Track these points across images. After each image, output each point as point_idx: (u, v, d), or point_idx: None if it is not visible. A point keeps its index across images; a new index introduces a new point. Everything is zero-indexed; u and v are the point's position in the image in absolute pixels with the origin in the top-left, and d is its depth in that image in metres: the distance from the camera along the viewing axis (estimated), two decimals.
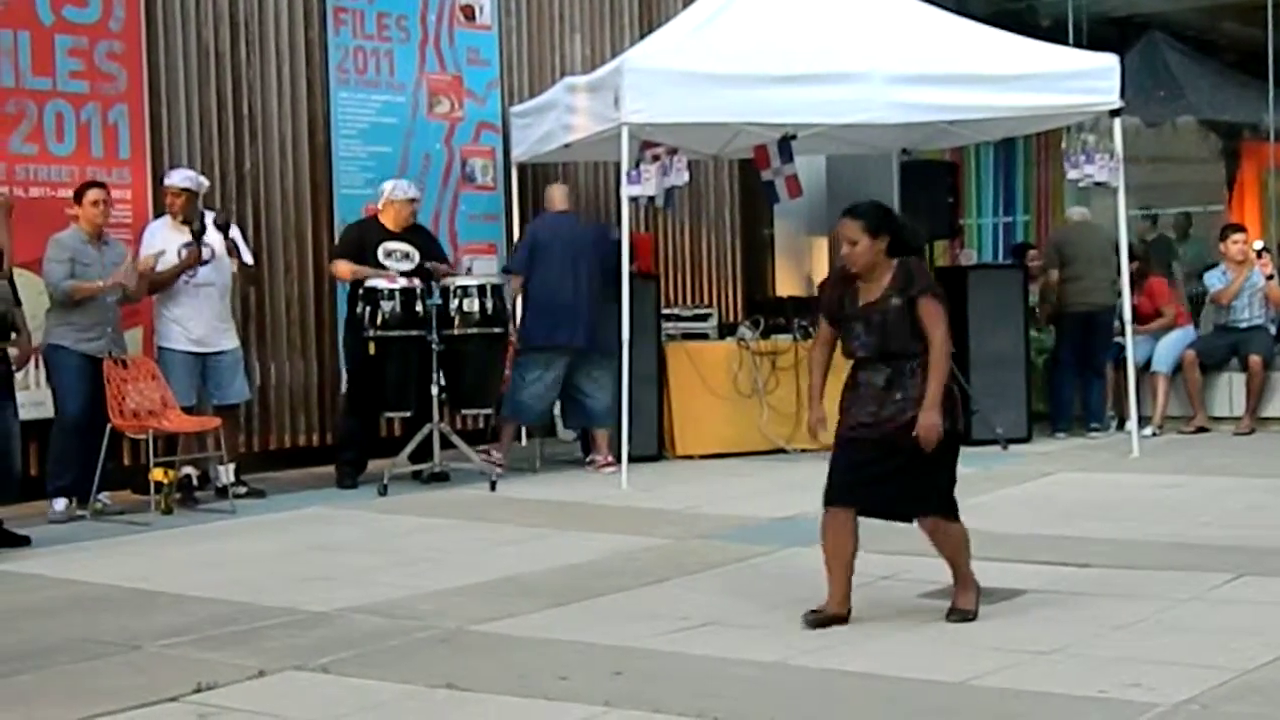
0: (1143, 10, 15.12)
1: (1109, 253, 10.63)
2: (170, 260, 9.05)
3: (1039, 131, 12.48)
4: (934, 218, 11.01)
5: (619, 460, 9.70)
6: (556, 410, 10.82)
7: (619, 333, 9.53)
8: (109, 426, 8.56)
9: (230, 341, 9.41)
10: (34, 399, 8.78)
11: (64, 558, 7.51)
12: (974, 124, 10.76)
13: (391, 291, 9.47)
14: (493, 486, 9.41)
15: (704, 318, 11.28)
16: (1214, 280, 11.84)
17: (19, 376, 8.24)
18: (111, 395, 8.61)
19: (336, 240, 10.41)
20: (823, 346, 5.81)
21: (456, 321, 9.58)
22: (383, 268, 9.67)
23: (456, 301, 9.61)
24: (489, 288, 9.74)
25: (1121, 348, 10.80)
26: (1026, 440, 10.90)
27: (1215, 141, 15.13)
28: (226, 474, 9.10)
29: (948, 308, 5.63)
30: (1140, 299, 11.37)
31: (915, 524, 5.64)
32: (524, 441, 11.15)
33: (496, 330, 9.71)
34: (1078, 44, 13.07)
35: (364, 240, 9.84)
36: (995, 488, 8.74)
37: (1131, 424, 10.44)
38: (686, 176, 9.96)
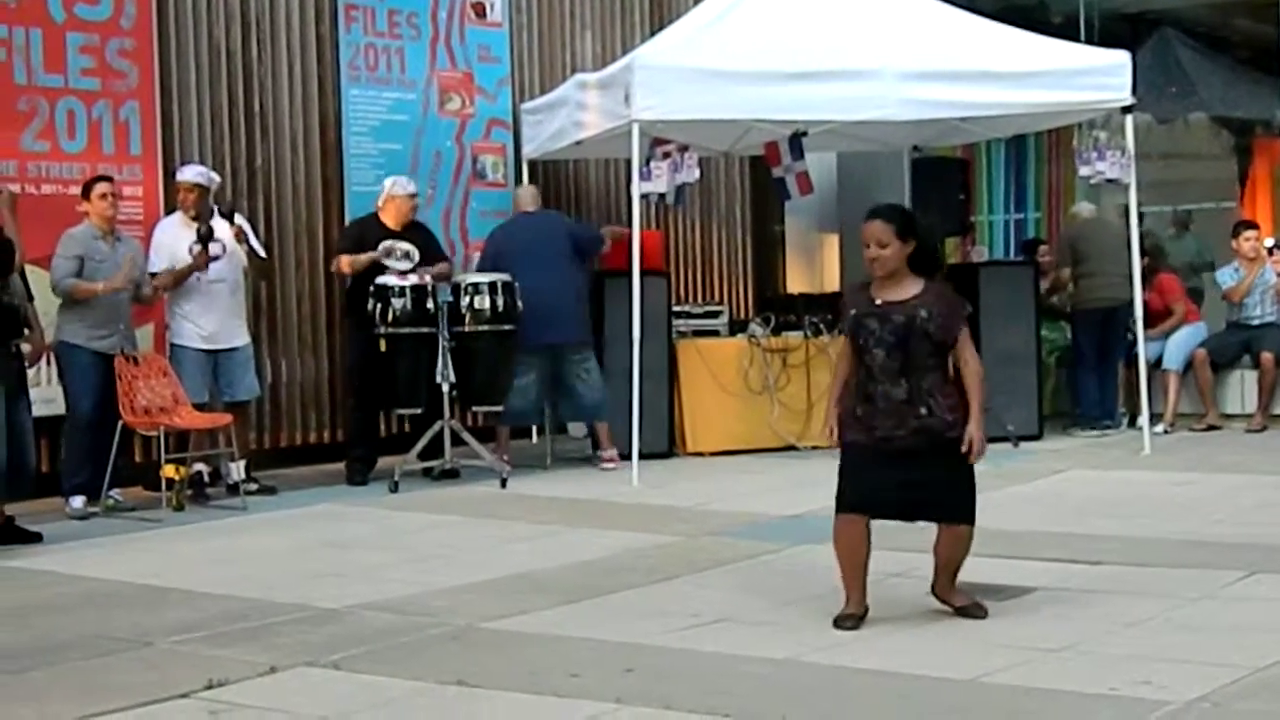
0: (1154, 6, 15.07)
1: (1122, 248, 10.61)
2: (184, 258, 9.06)
3: (1051, 128, 12.48)
4: (945, 214, 11.00)
5: (624, 454, 9.71)
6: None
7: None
8: (120, 423, 8.58)
9: (242, 338, 9.42)
10: (45, 396, 8.79)
11: (75, 554, 7.53)
12: (985, 121, 10.75)
13: (402, 289, 9.48)
14: (503, 483, 9.41)
15: (715, 315, 11.29)
16: (1226, 277, 11.81)
17: (30, 373, 8.26)
18: (123, 392, 8.62)
19: (339, 237, 10.41)
20: (847, 360, 5.80)
21: (467, 318, 9.59)
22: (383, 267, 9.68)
23: (467, 299, 9.61)
24: (500, 285, 9.72)
25: (1132, 344, 10.78)
26: (1038, 437, 10.90)
27: (1227, 138, 15.08)
28: (238, 471, 9.12)
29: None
30: (1150, 295, 11.33)
31: (920, 523, 5.68)
32: (534, 439, 11.16)
33: (507, 327, 9.69)
34: (1089, 40, 13.03)
35: (364, 238, 9.82)
36: (1006, 485, 8.71)
37: (1143, 421, 10.43)
38: (697, 173, 9.94)
